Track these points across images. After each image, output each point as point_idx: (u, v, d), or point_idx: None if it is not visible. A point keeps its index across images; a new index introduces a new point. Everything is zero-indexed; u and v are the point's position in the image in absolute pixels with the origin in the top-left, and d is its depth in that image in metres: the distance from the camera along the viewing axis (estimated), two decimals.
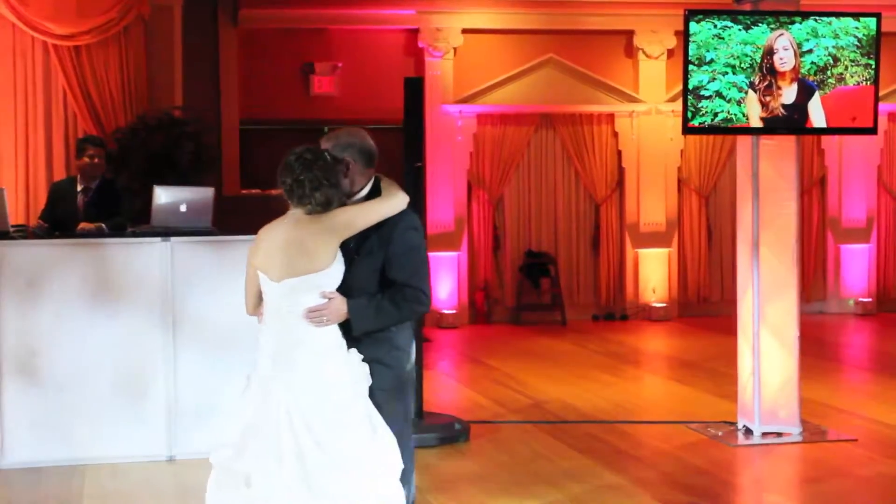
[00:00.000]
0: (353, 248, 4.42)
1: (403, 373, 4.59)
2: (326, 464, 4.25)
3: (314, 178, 4.34)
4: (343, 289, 4.38)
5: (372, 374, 4.42)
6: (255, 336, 4.54)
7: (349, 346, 4.42)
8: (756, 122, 7.95)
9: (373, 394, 4.42)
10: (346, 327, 4.41)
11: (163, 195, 8.16)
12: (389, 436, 4.38)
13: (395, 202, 4.48)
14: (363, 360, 4.43)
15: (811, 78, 7.98)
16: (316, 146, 4.48)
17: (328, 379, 4.32)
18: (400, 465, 4.40)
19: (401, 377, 4.57)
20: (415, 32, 14.09)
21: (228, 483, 4.40)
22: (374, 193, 4.53)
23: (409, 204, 4.57)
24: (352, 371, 4.38)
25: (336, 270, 4.36)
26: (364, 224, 4.40)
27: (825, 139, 14.82)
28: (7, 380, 7.42)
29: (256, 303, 4.55)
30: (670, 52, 14.38)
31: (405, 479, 4.48)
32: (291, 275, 4.32)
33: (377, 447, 4.35)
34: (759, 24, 7.89)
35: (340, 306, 4.35)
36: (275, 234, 4.42)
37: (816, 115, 8.01)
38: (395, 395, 4.53)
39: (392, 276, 4.45)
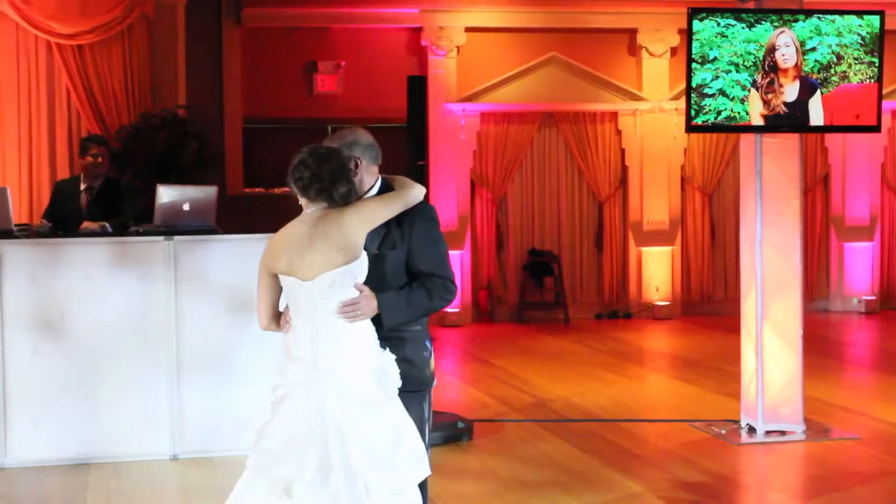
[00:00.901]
0: (376, 246, 4.40)
1: (428, 374, 4.56)
2: (367, 470, 4.20)
3: (333, 170, 4.29)
4: (372, 286, 4.34)
5: (401, 375, 4.38)
6: (283, 346, 4.43)
7: (382, 346, 4.38)
8: (757, 119, 7.94)
9: (400, 395, 4.36)
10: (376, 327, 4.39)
11: (166, 194, 8.16)
12: (418, 439, 4.33)
13: (414, 193, 4.46)
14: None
15: (814, 76, 7.98)
16: (322, 145, 4.45)
17: (366, 378, 4.27)
18: (427, 471, 4.35)
19: (426, 379, 4.54)
20: (418, 31, 14.09)
21: (262, 488, 4.31)
22: (383, 192, 4.52)
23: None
24: (388, 370, 4.35)
25: (365, 261, 4.33)
26: (388, 214, 4.36)
27: (829, 137, 14.81)
28: (11, 378, 7.43)
29: (271, 315, 4.46)
30: (673, 51, 14.37)
31: (423, 484, 4.44)
32: (327, 269, 4.25)
33: (409, 452, 4.29)
34: (763, 22, 7.88)
35: (372, 300, 4.32)
36: (296, 235, 4.34)
37: (815, 112, 8.00)
38: (420, 397, 4.49)
39: (417, 268, 4.43)
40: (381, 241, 4.41)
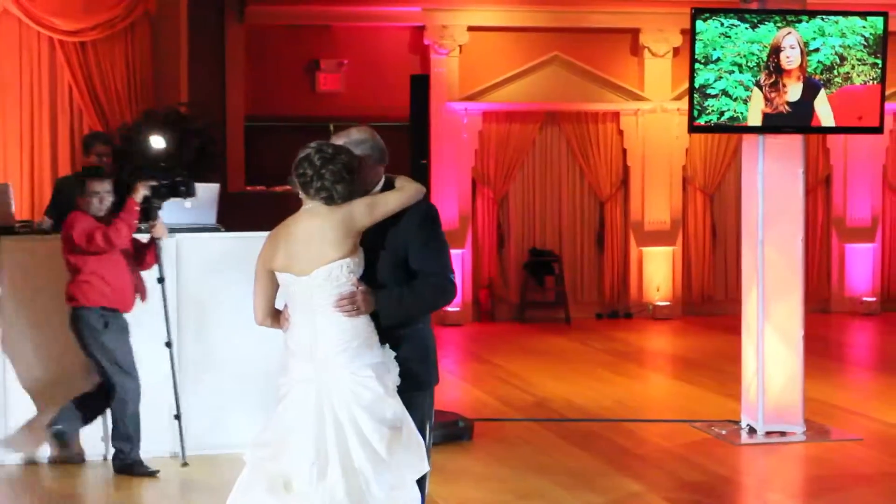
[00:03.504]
0: (373, 243, 4.40)
1: (430, 373, 4.56)
2: (366, 465, 4.22)
3: (336, 171, 4.31)
4: (369, 284, 4.35)
5: (401, 373, 4.39)
6: (285, 344, 4.46)
7: (382, 344, 4.39)
8: (759, 118, 7.94)
9: (400, 392, 4.37)
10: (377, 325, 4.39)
11: None
12: (417, 436, 4.34)
13: (411, 192, 4.46)
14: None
15: (817, 77, 7.98)
16: (331, 142, 4.46)
17: (365, 374, 4.28)
18: (426, 468, 4.36)
19: (427, 377, 4.54)
20: (420, 30, 14.10)
21: (261, 484, 4.32)
22: (385, 190, 4.52)
23: (430, 202, 4.56)
24: (387, 367, 4.35)
25: (361, 257, 4.35)
26: (383, 213, 4.37)
27: (830, 138, 14.80)
28: (11, 375, 7.43)
29: (267, 311, 4.49)
30: (676, 51, 14.36)
31: (422, 481, 4.45)
32: (321, 263, 4.28)
33: (408, 448, 4.31)
34: (766, 23, 7.88)
35: (369, 296, 4.33)
36: (294, 231, 4.38)
37: (822, 113, 8.00)
38: (421, 395, 4.48)
39: (416, 267, 4.43)
40: (380, 239, 4.42)
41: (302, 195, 4.41)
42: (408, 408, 4.35)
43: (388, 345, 4.39)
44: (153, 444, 7.53)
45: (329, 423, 4.24)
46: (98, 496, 6.79)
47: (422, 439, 4.36)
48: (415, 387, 4.44)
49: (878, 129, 8.27)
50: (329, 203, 4.33)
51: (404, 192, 4.45)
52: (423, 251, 4.44)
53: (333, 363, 4.30)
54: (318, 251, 4.29)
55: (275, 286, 4.45)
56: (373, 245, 4.40)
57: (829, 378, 10.27)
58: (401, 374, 4.38)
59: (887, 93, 8.51)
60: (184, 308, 7.56)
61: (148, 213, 7.19)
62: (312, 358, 4.33)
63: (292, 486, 4.26)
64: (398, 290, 4.40)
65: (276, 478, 4.29)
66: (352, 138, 4.51)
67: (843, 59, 8.00)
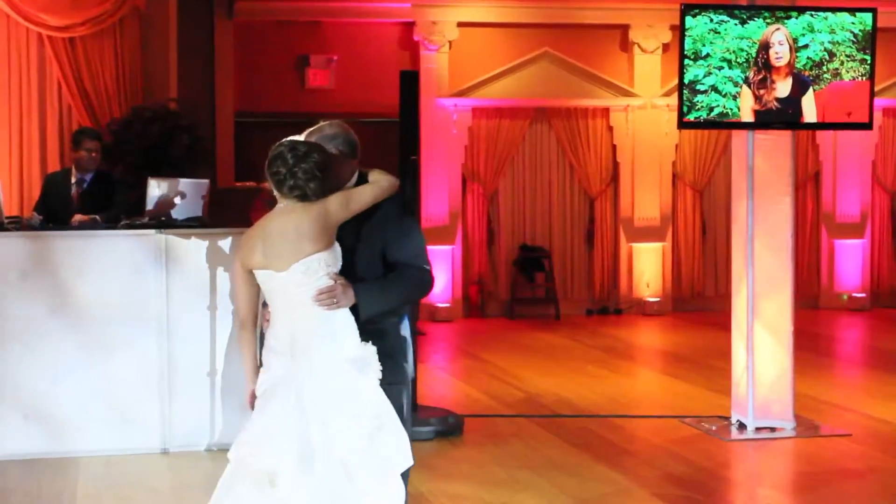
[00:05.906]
0: (350, 237, 4.41)
1: (407, 366, 4.59)
2: (350, 458, 4.24)
3: (308, 169, 4.31)
4: (345, 278, 4.36)
5: (381, 367, 4.41)
6: (265, 342, 4.46)
7: (362, 339, 4.40)
8: (748, 115, 7.95)
9: (381, 387, 4.38)
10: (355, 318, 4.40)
11: (157, 187, 8.14)
12: (401, 430, 4.36)
13: (385, 185, 4.47)
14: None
15: (806, 73, 7.99)
16: (304, 139, 4.45)
17: (346, 367, 4.29)
18: (410, 461, 4.37)
19: (406, 371, 4.56)
20: (410, 26, 14.08)
21: (245, 480, 4.33)
22: (359, 185, 4.53)
23: (404, 195, 4.56)
24: (368, 361, 4.36)
25: (338, 252, 4.35)
26: (359, 207, 4.38)
27: (820, 134, 14.82)
28: (1, 371, 7.41)
29: (250, 312, 4.48)
30: (666, 47, 14.37)
31: (404, 475, 4.46)
32: (299, 258, 4.28)
33: (392, 441, 4.33)
34: (755, 19, 7.89)
35: (348, 289, 4.33)
36: (270, 229, 4.38)
37: (809, 110, 8.01)
38: (399, 389, 4.50)
39: (394, 259, 4.44)
40: (356, 233, 4.42)
41: (276, 193, 4.41)
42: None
43: (369, 340, 4.39)
44: (141, 441, 7.54)
45: (311, 417, 4.26)
46: (86, 493, 6.76)
47: (405, 433, 4.37)
48: (394, 381, 4.45)
49: (868, 126, 8.28)
50: (303, 200, 4.34)
51: (378, 186, 4.46)
52: (401, 243, 4.46)
53: (312, 357, 4.31)
54: (295, 246, 4.29)
55: (255, 286, 4.44)
56: (349, 239, 4.40)
57: (819, 374, 10.29)
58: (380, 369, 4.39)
59: (876, 89, 8.52)
60: (173, 304, 7.55)
61: None
62: (292, 353, 4.34)
63: (276, 481, 4.27)
64: (377, 282, 4.42)
65: (261, 474, 4.30)
66: (325, 133, 4.52)
67: (832, 55, 8.01)
